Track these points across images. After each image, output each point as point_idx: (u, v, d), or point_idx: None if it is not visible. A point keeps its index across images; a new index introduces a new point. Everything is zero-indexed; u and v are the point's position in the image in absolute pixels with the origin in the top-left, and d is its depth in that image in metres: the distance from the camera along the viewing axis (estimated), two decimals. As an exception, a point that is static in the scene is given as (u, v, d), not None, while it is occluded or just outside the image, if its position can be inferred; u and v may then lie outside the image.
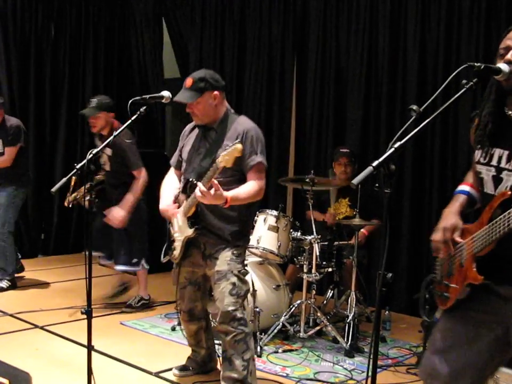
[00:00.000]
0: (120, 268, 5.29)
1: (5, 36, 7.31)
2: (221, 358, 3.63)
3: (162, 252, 3.79)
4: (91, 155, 3.05)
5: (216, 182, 3.17)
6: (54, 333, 4.75)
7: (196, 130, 3.70)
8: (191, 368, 4.03)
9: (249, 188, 3.43)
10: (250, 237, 4.21)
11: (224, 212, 3.43)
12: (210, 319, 4.03)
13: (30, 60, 7.58)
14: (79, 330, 4.73)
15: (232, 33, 7.02)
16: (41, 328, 4.86)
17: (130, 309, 5.37)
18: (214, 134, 3.55)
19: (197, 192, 3.23)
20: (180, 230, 3.57)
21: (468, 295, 2.25)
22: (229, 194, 3.29)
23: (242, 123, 3.54)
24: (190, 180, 3.48)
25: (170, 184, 3.78)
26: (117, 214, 5.01)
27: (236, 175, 3.46)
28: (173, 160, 3.85)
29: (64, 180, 3.14)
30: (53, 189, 3.17)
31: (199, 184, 3.23)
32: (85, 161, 3.03)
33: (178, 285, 3.78)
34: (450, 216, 2.34)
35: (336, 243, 4.86)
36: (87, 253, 3.07)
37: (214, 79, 3.52)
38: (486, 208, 2.20)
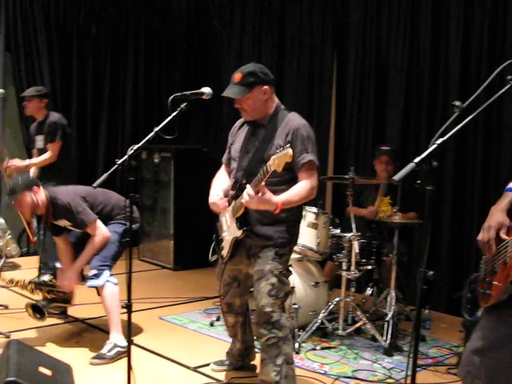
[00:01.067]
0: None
1: (48, 33, 7.41)
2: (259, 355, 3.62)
3: (210, 251, 3.78)
4: (132, 151, 3.06)
5: (264, 186, 3.05)
6: (95, 326, 4.82)
7: (246, 127, 3.59)
8: (228, 363, 4.04)
9: (301, 188, 3.30)
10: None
11: (272, 213, 3.26)
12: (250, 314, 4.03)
13: (72, 56, 7.69)
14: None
15: (271, 28, 7.00)
16: (82, 321, 4.93)
17: None
18: (264, 131, 3.44)
19: (245, 195, 3.13)
20: (229, 230, 3.52)
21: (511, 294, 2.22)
22: (280, 199, 3.17)
23: (293, 120, 3.41)
24: (240, 180, 3.40)
25: (220, 180, 3.71)
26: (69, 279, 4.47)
27: (286, 174, 3.31)
28: (224, 158, 3.78)
29: (105, 175, 3.16)
30: (95, 184, 3.20)
31: (248, 187, 3.12)
32: (126, 156, 3.05)
33: (222, 282, 3.77)
34: (496, 213, 2.31)
35: (375, 241, 4.82)
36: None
37: (263, 73, 3.40)
38: None
